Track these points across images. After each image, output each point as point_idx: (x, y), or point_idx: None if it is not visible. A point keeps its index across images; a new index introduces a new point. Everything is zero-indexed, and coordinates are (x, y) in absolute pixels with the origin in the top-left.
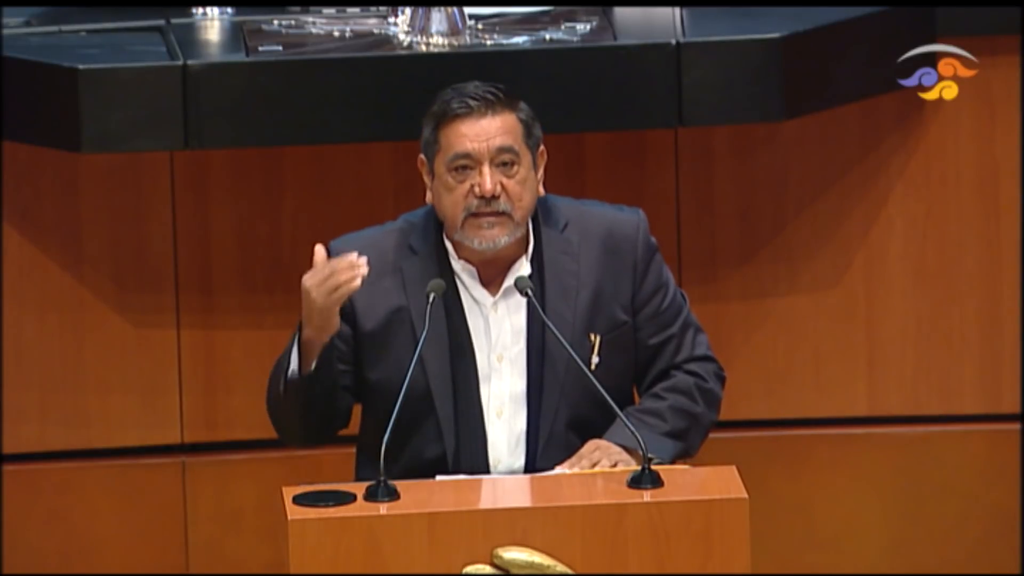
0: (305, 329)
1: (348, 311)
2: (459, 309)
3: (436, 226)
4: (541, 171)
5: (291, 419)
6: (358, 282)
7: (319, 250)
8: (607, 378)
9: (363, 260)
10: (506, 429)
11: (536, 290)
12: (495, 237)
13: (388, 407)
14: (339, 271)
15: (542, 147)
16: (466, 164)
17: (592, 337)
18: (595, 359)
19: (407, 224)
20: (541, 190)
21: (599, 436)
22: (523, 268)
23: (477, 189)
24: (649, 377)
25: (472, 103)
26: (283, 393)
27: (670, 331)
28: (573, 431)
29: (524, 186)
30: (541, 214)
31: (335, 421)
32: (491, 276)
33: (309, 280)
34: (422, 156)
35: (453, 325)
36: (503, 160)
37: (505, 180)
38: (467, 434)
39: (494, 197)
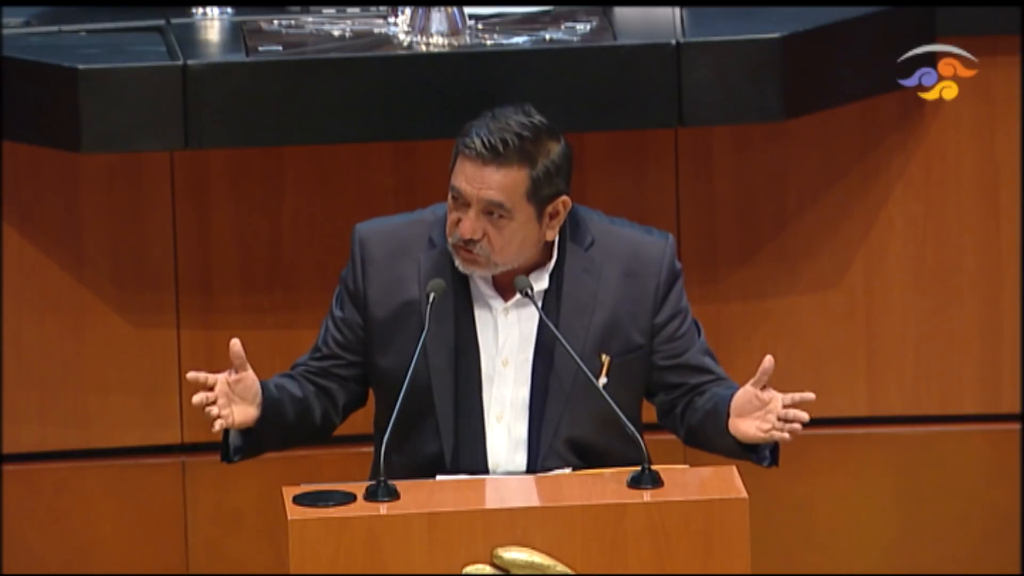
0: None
1: (360, 298)
2: (469, 308)
3: None
4: (555, 220)
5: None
6: (217, 426)
7: (235, 344)
8: (612, 400)
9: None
10: (505, 434)
11: (551, 304)
12: (473, 269)
13: (393, 397)
14: (211, 403)
15: (563, 198)
16: (458, 198)
17: (603, 357)
18: (603, 379)
19: (433, 216)
20: (550, 235)
21: (597, 457)
22: (541, 280)
23: (460, 227)
24: (665, 395)
25: (480, 149)
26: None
27: (684, 358)
28: (570, 450)
29: (511, 238)
30: (569, 229)
31: (335, 419)
32: (506, 282)
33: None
34: None
35: (461, 324)
36: (490, 211)
37: (490, 228)
38: (467, 434)
39: (473, 240)
